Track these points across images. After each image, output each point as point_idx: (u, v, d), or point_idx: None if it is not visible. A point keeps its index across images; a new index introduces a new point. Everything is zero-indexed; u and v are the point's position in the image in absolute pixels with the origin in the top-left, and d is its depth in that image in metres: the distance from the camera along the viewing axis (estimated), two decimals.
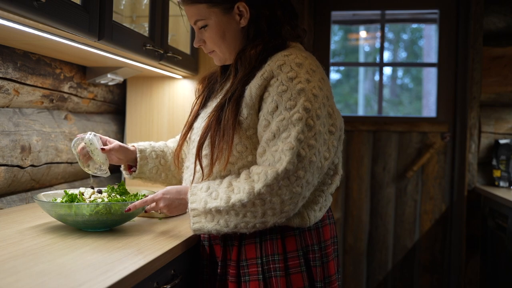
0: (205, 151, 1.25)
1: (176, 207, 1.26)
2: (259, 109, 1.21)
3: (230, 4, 1.25)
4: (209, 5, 1.25)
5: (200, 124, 1.33)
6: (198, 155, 1.25)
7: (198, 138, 1.27)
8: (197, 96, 1.44)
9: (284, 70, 1.17)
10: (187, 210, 1.23)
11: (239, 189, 1.15)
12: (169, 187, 1.28)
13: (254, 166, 1.18)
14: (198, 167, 1.27)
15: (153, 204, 1.27)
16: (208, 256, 1.30)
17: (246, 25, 1.27)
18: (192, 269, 1.36)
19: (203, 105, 1.40)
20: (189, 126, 1.39)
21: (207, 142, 1.24)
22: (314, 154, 1.13)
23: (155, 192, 1.39)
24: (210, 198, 1.18)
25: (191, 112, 1.42)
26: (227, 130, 1.20)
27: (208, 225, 1.18)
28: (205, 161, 1.26)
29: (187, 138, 1.41)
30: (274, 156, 1.14)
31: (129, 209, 1.24)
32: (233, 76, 1.27)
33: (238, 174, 1.22)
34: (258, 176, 1.13)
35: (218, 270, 1.27)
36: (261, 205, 1.13)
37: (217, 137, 1.21)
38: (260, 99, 1.20)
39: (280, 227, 1.22)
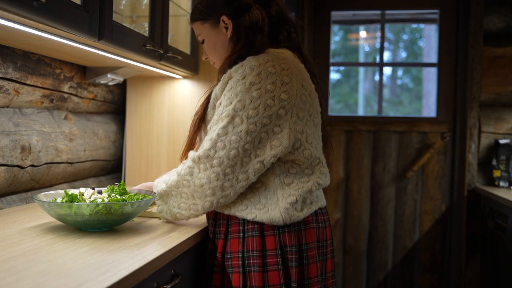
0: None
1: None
2: None
3: (216, 18, 1.41)
4: (201, 22, 1.44)
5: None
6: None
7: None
8: None
9: (238, 72, 1.29)
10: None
11: (176, 170, 1.35)
12: (139, 185, 1.55)
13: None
14: None
15: None
16: (209, 246, 1.40)
17: (231, 36, 1.40)
18: (192, 268, 1.36)
19: None
20: None
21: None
22: (234, 148, 1.24)
23: (155, 192, 1.42)
24: (162, 181, 1.39)
25: None
26: (191, 131, 1.40)
27: (164, 206, 1.39)
28: None
29: None
30: (201, 144, 1.31)
31: None
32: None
33: None
34: (187, 160, 1.32)
35: (208, 260, 1.38)
36: (187, 186, 1.31)
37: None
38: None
39: (261, 226, 1.30)
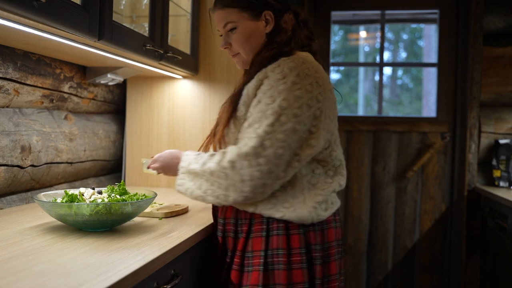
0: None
1: (169, 169, 1.48)
2: None
3: (258, 10, 1.40)
4: (240, 9, 1.41)
5: None
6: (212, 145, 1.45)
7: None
8: None
9: (276, 71, 1.29)
10: (177, 172, 1.40)
11: (214, 159, 1.32)
12: (165, 151, 1.52)
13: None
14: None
15: (153, 164, 1.53)
16: (220, 247, 1.41)
17: (270, 32, 1.41)
18: (192, 268, 1.37)
19: None
20: None
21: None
22: (281, 147, 1.25)
23: (155, 192, 1.42)
24: (195, 161, 1.36)
25: None
26: (220, 125, 1.38)
27: (188, 183, 1.36)
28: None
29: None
30: (245, 141, 1.30)
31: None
32: (245, 77, 1.40)
33: None
34: (228, 153, 1.30)
35: (227, 260, 1.38)
36: (224, 178, 1.28)
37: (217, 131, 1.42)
38: (254, 97, 1.33)
39: (286, 225, 1.31)
